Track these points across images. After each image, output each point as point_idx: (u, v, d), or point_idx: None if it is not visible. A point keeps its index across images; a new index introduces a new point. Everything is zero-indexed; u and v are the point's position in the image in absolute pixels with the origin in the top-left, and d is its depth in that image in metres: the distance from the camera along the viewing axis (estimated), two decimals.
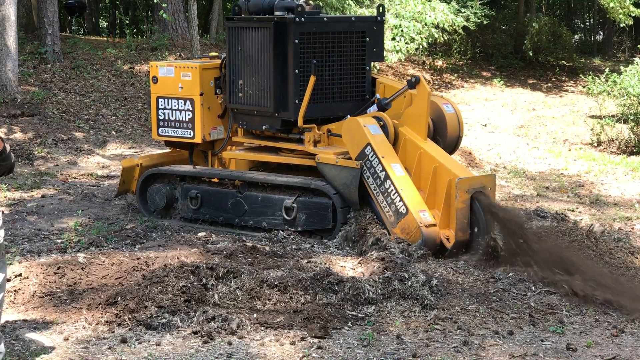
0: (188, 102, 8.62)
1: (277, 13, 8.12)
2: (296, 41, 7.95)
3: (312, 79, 7.94)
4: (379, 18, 8.49)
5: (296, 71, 8.01)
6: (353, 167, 7.64)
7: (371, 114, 7.98)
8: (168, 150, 9.34)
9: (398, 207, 7.29)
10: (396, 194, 7.31)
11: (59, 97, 14.76)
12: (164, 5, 17.59)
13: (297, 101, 8.04)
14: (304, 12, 8.06)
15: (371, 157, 7.53)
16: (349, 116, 8.14)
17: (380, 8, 8.51)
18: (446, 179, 7.28)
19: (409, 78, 7.94)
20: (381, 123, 7.79)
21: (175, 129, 8.74)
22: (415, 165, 7.59)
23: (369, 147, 7.54)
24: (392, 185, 7.35)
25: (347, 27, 8.35)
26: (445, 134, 8.06)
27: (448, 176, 7.28)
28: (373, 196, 7.53)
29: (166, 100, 8.75)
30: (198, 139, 8.65)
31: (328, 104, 8.24)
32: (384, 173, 7.42)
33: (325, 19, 8.38)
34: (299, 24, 7.95)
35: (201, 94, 8.58)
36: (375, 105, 8.15)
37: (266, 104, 8.18)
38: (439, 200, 7.34)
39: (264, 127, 8.28)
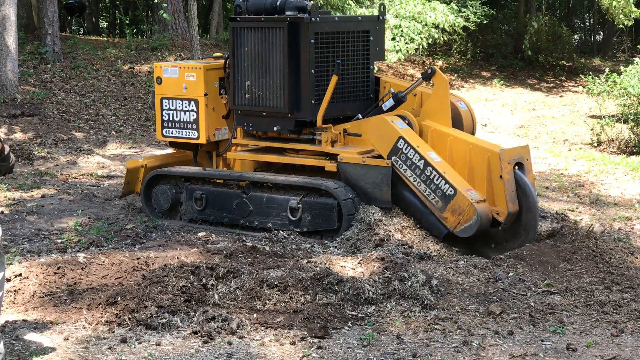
0: (192, 102, 8.59)
1: (288, 13, 8.05)
2: (312, 41, 7.92)
3: (335, 79, 7.91)
4: (380, 17, 8.51)
5: (312, 71, 7.98)
6: (383, 166, 7.61)
7: (393, 113, 7.95)
8: (172, 150, 9.32)
9: (444, 190, 7.31)
10: (440, 178, 7.33)
11: (59, 97, 14.76)
12: (164, 5, 17.59)
13: (313, 101, 8.01)
14: (318, 11, 8.05)
15: (405, 149, 7.51)
16: (360, 115, 8.14)
17: (382, 7, 8.54)
18: (484, 156, 7.34)
19: (423, 71, 7.94)
20: (406, 121, 7.80)
21: (180, 130, 8.71)
22: (448, 151, 7.60)
23: (401, 140, 7.54)
24: (433, 171, 7.36)
25: (355, 27, 8.37)
26: (461, 130, 8.09)
27: (485, 153, 7.35)
28: (413, 187, 7.49)
29: (170, 101, 8.73)
30: (202, 140, 8.62)
31: (339, 104, 8.23)
32: (422, 161, 7.42)
33: (336, 18, 8.39)
34: (314, 24, 7.93)
35: (205, 95, 8.56)
36: (391, 99, 8.09)
37: (279, 105, 8.10)
38: (478, 181, 7.38)
39: (275, 128, 8.20)
